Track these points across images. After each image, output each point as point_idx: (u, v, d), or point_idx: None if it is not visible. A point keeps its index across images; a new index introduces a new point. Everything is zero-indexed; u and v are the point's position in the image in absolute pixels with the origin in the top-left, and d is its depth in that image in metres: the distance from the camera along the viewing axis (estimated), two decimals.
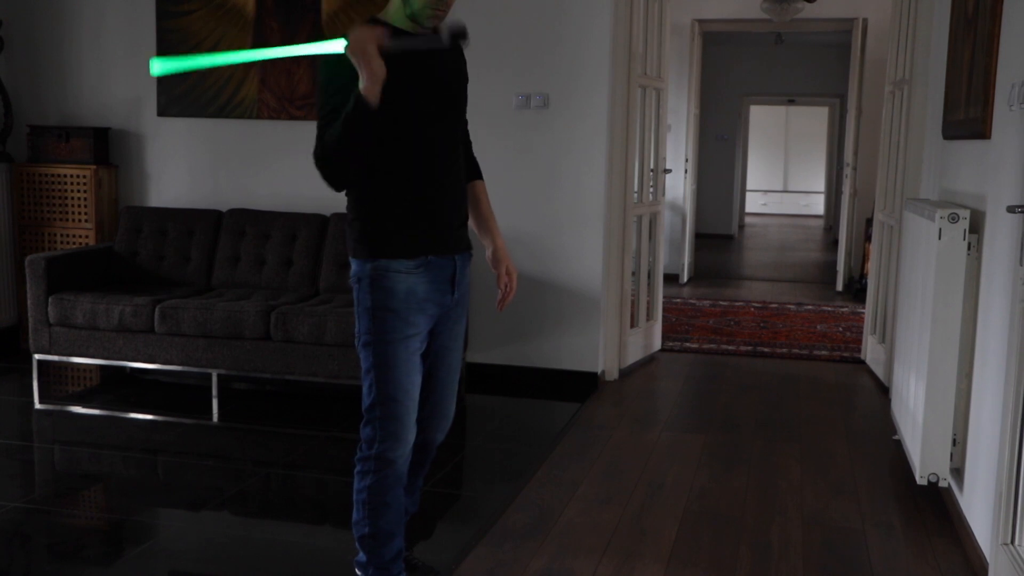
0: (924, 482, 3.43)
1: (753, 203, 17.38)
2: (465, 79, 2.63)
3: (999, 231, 3.00)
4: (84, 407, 4.73)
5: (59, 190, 5.36)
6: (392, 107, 2.34)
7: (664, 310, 6.46)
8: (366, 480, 2.53)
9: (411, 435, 2.54)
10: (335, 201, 5.18)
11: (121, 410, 4.63)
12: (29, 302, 4.69)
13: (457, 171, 2.58)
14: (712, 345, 6.21)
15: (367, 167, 2.44)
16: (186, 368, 4.57)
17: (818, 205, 16.81)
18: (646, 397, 5.11)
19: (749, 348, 6.14)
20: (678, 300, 7.90)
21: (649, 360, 5.76)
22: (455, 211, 2.58)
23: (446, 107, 2.54)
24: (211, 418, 4.49)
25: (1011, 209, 2.71)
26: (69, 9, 5.47)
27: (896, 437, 4.17)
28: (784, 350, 6.11)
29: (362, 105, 2.25)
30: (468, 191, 2.69)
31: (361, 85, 2.25)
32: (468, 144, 2.75)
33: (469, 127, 2.74)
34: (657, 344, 5.95)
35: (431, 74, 2.48)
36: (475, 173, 2.75)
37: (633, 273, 5.56)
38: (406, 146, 2.45)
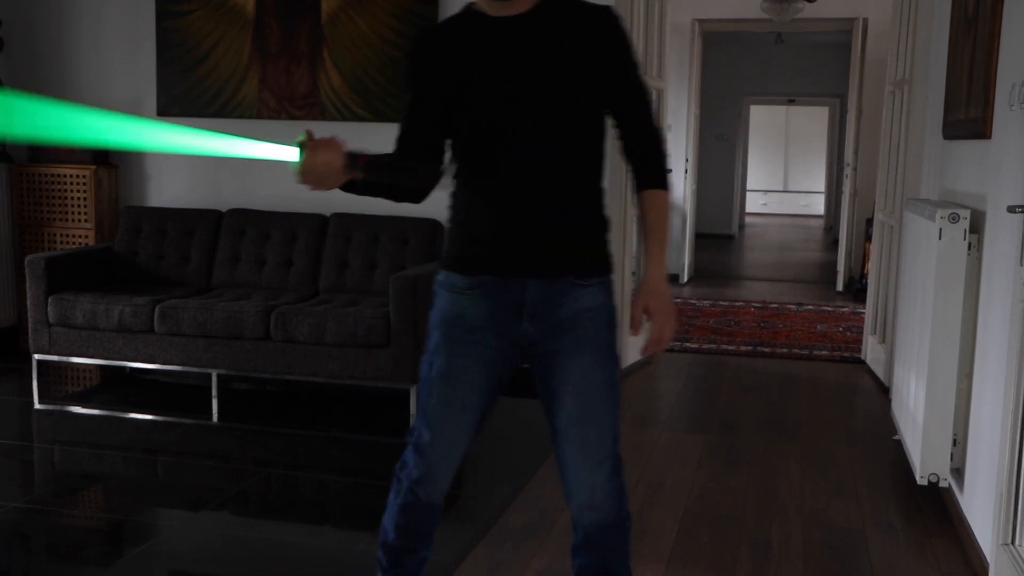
0: (924, 482, 3.43)
1: (753, 203, 17.38)
2: (561, 64, 2.04)
3: (999, 231, 3.00)
4: (84, 407, 4.73)
5: (59, 190, 5.35)
6: (457, 105, 2.07)
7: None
8: (395, 497, 2.29)
9: (440, 478, 2.22)
10: (335, 201, 5.20)
11: (121, 410, 4.62)
12: (29, 302, 4.69)
13: (554, 181, 2.07)
14: (712, 345, 6.20)
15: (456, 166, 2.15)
16: (186, 368, 4.56)
17: (818, 205, 16.81)
18: (646, 397, 5.10)
19: (749, 348, 6.14)
20: (678, 300, 7.90)
21: (649, 360, 5.75)
22: (539, 228, 2.07)
23: (518, 103, 2.04)
24: (211, 418, 4.49)
25: (1011, 209, 2.70)
26: (69, 9, 5.47)
27: (896, 437, 4.17)
28: (784, 350, 6.11)
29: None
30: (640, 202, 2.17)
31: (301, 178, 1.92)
32: (637, 143, 2.15)
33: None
34: None
35: (495, 65, 2.05)
36: (646, 180, 2.15)
37: (633, 273, 5.56)
38: (473, 148, 2.10)
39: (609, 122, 2.15)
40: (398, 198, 2.17)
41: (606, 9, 2.09)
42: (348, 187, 2.01)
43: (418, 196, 2.17)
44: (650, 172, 2.15)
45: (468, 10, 2.12)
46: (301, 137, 1.91)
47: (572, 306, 2.09)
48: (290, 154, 1.90)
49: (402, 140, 2.15)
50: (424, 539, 2.33)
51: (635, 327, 2.10)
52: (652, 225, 2.12)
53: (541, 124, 2.05)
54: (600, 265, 2.14)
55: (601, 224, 2.15)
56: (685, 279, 9.01)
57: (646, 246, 2.13)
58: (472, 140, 2.09)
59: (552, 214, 2.08)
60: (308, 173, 1.91)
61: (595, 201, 2.14)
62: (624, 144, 2.15)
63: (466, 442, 2.20)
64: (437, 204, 5.69)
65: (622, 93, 2.11)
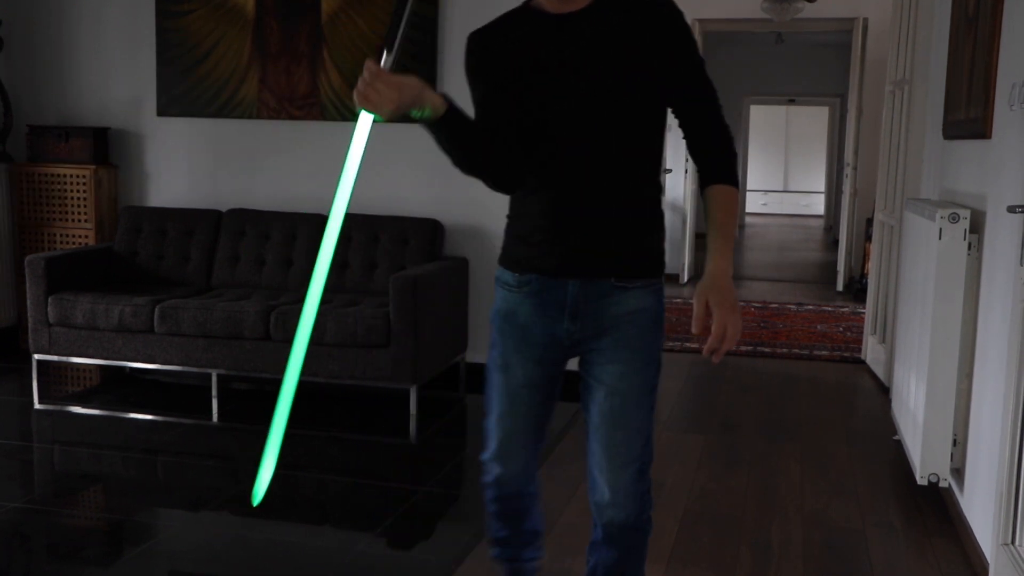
0: (924, 482, 3.43)
1: (753, 203, 17.40)
2: (619, 59, 1.99)
3: (1000, 231, 3.00)
4: (84, 407, 4.73)
5: (59, 190, 5.35)
6: (510, 101, 2.03)
7: (664, 310, 6.44)
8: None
9: (506, 463, 2.22)
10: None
11: (121, 410, 4.62)
12: (29, 302, 4.69)
13: (603, 179, 2.02)
14: None
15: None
16: (186, 368, 4.57)
17: (818, 205, 16.82)
18: None
19: (749, 348, 6.14)
20: (678, 300, 7.90)
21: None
22: (579, 228, 2.04)
23: (572, 100, 1.99)
24: (211, 418, 4.49)
25: (1012, 209, 2.70)
26: (69, 9, 5.47)
27: (896, 437, 4.17)
28: (784, 350, 6.11)
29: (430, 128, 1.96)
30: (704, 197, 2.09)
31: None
32: (704, 138, 2.07)
33: None
34: None
35: (551, 61, 2.00)
36: (713, 175, 2.06)
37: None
38: (528, 145, 2.05)
39: (672, 118, 2.10)
40: (484, 166, 2.06)
41: (667, 2, 2.04)
42: (431, 126, 1.93)
43: (498, 171, 2.08)
44: (717, 167, 2.06)
45: (526, 6, 2.08)
46: (358, 108, 1.84)
47: (613, 308, 2.07)
48: (367, 123, 1.85)
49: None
50: (513, 525, 2.34)
51: (697, 324, 2.01)
52: (717, 221, 2.03)
53: (595, 122, 2.00)
54: (646, 267, 2.10)
55: (650, 224, 2.10)
56: (685, 279, 9.01)
57: (710, 241, 2.03)
58: (526, 138, 2.04)
59: (596, 214, 2.04)
60: (390, 104, 1.82)
61: (647, 200, 2.09)
62: (690, 140, 2.08)
63: (525, 434, 2.20)
64: (437, 204, 5.65)
65: (687, 88, 2.05)
